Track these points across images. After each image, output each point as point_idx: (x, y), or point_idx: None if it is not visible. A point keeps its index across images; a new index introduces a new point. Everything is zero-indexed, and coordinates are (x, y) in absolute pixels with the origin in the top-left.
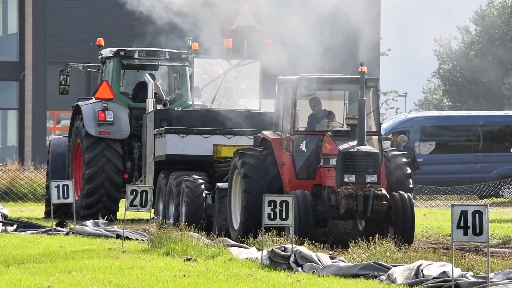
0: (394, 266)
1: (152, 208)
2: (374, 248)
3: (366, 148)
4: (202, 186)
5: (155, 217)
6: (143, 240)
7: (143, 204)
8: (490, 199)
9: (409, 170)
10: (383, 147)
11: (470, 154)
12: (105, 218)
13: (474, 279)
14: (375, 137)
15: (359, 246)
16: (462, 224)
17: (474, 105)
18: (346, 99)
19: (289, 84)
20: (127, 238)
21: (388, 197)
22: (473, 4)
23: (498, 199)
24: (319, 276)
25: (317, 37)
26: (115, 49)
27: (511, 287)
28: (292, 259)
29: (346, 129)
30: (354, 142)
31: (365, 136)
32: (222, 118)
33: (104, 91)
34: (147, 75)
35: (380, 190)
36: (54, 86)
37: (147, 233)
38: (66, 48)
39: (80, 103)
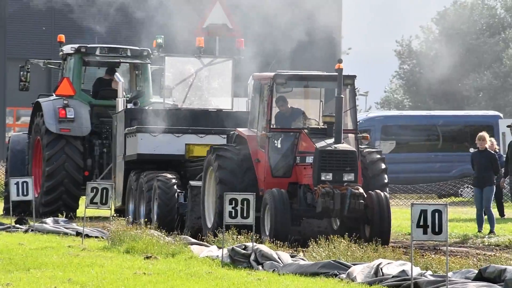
0: (354, 264)
1: (123, 207)
2: (334, 246)
3: (343, 146)
4: (175, 186)
5: (128, 217)
6: (103, 238)
7: (104, 201)
8: (449, 198)
9: (383, 166)
10: None
11: (429, 154)
12: (64, 216)
13: (433, 278)
14: (351, 135)
15: (319, 245)
16: (421, 223)
17: (434, 105)
18: (322, 97)
19: (265, 81)
20: (87, 235)
21: (366, 196)
22: (436, 4)
23: (457, 198)
24: (279, 274)
25: (278, 37)
26: (76, 45)
27: (469, 286)
28: (252, 257)
29: (323, 126)
30: (331, 140)
31: (342, 134)
32: (194, 118)
33: (65, 88)
34: (117, 74)
35: (358, 189)
36: (14, 82)
37: (107, 230)
38: (27, 44)
39: (40, 100)
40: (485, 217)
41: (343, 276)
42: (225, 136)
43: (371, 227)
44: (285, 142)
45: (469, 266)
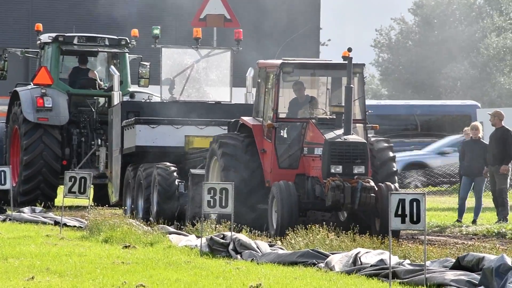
0: (333, 253)
1: (120, 202)
2: (312, 235)
3: (353, 137)
4: (175, 174)
5: (125, 209)
6: (81, 227)
7: (82, 190)
8: (427, 187)
9: (391, 154)
10: None
11: (407, 143)
12: (42, 205)
13: (411, 267)
14: (360, 125)
15: (298, 234)
16: (400, 212)
17: (412, 94)
18: (328, 85)
19: (271, 69)
20: (65, 225)
21: (376, 189)
22: None
23: (435, 188)
24: (258, 263)
25: (258, 27)
26: (54, 34)
27: (448, 274)
28: (231, 246)
29: (331, 117)
30: (340, 131)
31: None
32: (192, 110)
33: (43, 77)
34: (113, 67)
35: (368, 182)
36: None
37: (85, 220)
38: (4, 33)
39: (18, 89)
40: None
41: (322, 265)
42: (225, 127)
43: (381, 220)
44: (291, 132)
45: (447, 255)
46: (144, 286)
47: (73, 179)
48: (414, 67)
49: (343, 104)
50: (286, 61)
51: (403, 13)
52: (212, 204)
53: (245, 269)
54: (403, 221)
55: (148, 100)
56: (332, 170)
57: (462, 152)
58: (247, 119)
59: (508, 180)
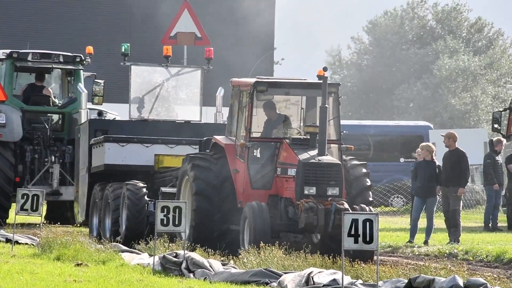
0: (285, 273)
1: (86, 222)
2: (265, 254)
3: (327, 158)
4: (144, 190)
5: (91, 233)
6: (33, 245)
7: (34, 208)
8: (380, 207)
9: (368, 182)
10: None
11: None
12: None
13: (363, 287)
14: (334, 146)
15: (249, 253)
16: (353, 232)
17: (365, 114)
18: (303, 104)
19: (245, 87)
20: (17, 242)
21: (350, 211)
22: (367, 14)
23: (387, 208)
24: (210, 282)
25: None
26: (8, 51)
27: None
28: (184, 265)
29: (305, 137)
30: (314, 152)
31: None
32: (161, 129)
33: None
34: (80, 85)
35: (342, 204)
36: None
37: (37, 237)
38: None
39: None
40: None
41: (274, 284)
42: (196, 146)
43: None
44: (264, 152)
45: (399, 276)
46: None
47: (25, 197)
48: (367, 87)
49: (318, 124)
50: (260, 80)
51: (359, 33)
52: (165, 222)
53: None
54: (356, 241)
55: (106, 118)
56: (306, 192)
57: (414, 172)
58: (220, 138)
59: (461, 202)
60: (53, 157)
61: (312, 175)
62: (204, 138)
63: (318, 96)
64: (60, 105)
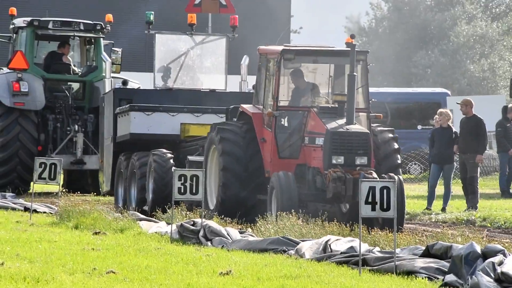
0: (303, 241)
1: (112, 192)
2: (283, 222)
3: (356, 127)
4: (171, 161)
5: (116, 203)
6: (51, 214)
7: (52, 177)
8: None
9: (396, 145)
10: None
11: None
12: (11, 191)
13: (381, 254)
14: (363, 114)
15: (268, 221)
16: (370, 199)
17: (382, 82)
18: (331, 72)
19: (272, 56)
20: (35, 211)
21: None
22: None
23: (405, 175)
24: (228, 250)
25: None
26: (28, 19)
27: (417, 262)
28: (201, 233)
29: (333, 105)
30: (342, 121)
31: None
32: (186, 98)
33: (19, 61)
34: (104, 54)
35: (371, 173)
36: None
37: (55, 206)
38: None
39: None
40: (437, 193)
41: (292, 252)
42: (222, 115)
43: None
44: (292, 121)
45: (416, 243)
46: (114, 272)
47: (43, 165)
48: (385, 54)
49: (346, 93)
50: (287, 48)
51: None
52: (182, 191)
53: (215, 256)
54: (373, 209)
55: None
56: (334, 161)
57: (431, 139)
58: (247, 107)
59: (479, 169)
60: (76, 126)
61: (340, 144)
62: (231, 107)
63: (346, 64)
64: (80, 73)
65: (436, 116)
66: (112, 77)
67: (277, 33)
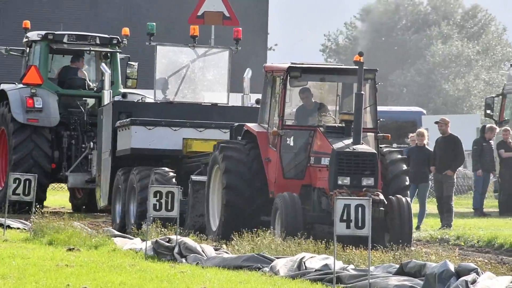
0: (277, 258)
1: (108, 207)
2: (258, 240)
3: (362, 147)
4: (173, 179)
5: (114, 221)
6: (25, 229)
7: (26, 193)
8: None
9: (405, 167)
10: None
11: None
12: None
13: (355, 272)
14: (371, 134)
15: (243, 238)
16: (345, 217)
17: None
18: (339, 91)
19: (278, 73)
20: (9, 227)
21: (386, 202)
22: (360, 2)
23: None
24: (202, 267)
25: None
26: (43, 32)
27: (391, 280)
28: (176, 250)
29: (340, 125)
30: (349, 140)
31: (362, 133)
32: (187, 112)
33: (33, 76)
34: (103, 65)
35: (378, 195)
36: None
37: (29, 222)
38: None
39: (5, 88)
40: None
41: (266, 269)
42: (225, 130)
43: (390, 235)
44: (298, 141)
45: (390, 261)
46: None
47: (17, 181)
48: None
49: (353, 112)
50: (294, 65)
51: (352, 20)
52: (157, 207)
53: (190, 273)
54: (348, 226)
55: (141, 101)
56: (340, 182)
57: (407, 159)
58: (252, 126)
59: (454, 188)
60: (91, 144)
61: (346, 165)
62: (235, 125)
63: (354, 83)
64: (95, 88)
65: (412, 134)
66: (129, 93)
67: (252, 49)
